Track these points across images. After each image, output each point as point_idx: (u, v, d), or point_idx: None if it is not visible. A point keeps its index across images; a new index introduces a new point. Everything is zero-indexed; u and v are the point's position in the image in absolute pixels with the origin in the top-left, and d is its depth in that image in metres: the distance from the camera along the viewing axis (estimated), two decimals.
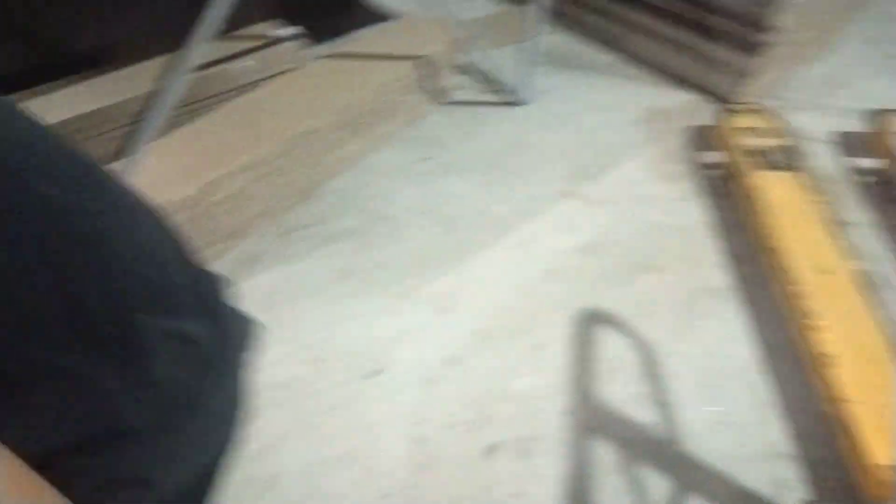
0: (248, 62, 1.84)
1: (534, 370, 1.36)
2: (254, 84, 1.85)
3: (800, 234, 1.48)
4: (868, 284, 1.38)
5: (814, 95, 2.14)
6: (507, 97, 2.11)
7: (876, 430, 1.12)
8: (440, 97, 2.08)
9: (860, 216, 1.71)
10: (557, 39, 2.43)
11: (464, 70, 2.21)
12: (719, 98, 2.07)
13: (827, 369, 1.22)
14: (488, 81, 2.19)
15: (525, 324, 1.44)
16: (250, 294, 1.50)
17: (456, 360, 1.38)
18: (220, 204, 1.54)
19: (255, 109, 1.72)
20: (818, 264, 1.42)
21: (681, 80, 2.16)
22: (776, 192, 1.59)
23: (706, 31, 2.01)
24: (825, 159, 1.89)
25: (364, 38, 2.10)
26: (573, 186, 1.79)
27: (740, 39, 1.94)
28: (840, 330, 1.28)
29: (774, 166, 1.67)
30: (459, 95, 2.13)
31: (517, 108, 2.07)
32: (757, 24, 1.89)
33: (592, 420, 1.28)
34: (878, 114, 1.86)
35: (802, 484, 1.18)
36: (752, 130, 1.78)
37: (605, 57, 2.33)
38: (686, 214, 1.71)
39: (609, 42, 2.34)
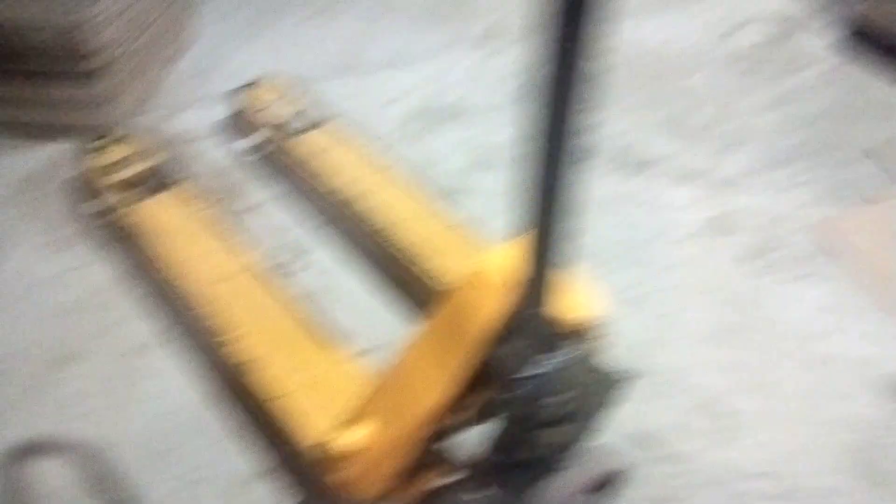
0: None
1: None
2: None
3: (193, 252, 1.45)
4: (271, 270, 1.42)
5: (189, 91, 2.12)
6: None
7: (303, 413, 1.16)
8: None
9: (262, 195, 1.77)
10: None
11: None
12: (82, 137, 1.86)
13: (249, 377, 1.22)
14: None
15: None
16: None
17: None
18: None
19: None
20: (218, 275, 1.40)
21: (31, 134, 1.89)
22: (160, 217, 1.53)
23: (26, 76, 1.79)
24: (215, 153, 1.90)
25: None
26: None
27: (68, 72, 1.78)
28: (254, 331, 1.29)
29: (154, 190, 1.60)
30: None
31: None
32: (75, 53, 1.74)
33: None
34: (237, 92, 1.90)
35: (283, 495, 1.19)
36: (122, 161, 1.67)
37: None
38: (92, 279, 1.55)
39: None
